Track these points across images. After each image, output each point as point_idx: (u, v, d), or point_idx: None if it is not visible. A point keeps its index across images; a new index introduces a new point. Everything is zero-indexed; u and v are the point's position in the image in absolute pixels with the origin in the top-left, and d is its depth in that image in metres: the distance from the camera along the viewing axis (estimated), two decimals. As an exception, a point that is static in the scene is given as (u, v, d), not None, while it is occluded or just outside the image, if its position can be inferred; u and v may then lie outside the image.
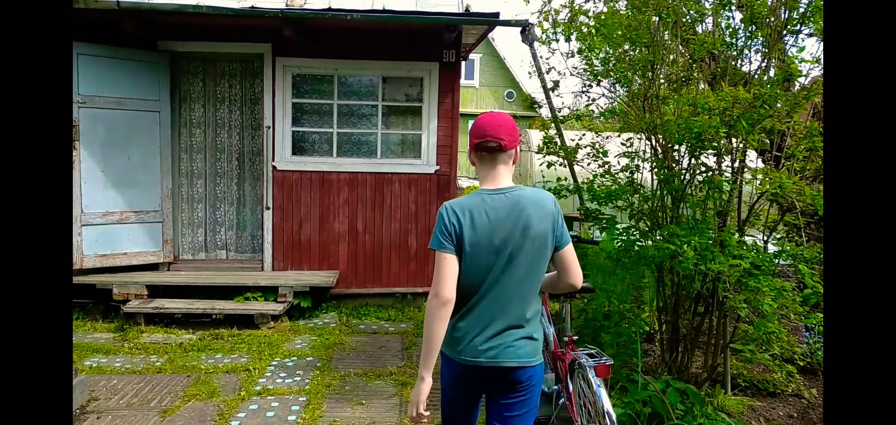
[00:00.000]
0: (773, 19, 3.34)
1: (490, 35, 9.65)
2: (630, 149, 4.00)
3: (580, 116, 4.83)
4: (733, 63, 3.59)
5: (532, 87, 22.89)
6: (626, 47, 3.76)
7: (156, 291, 5.62)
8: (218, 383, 4.16)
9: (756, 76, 3.45)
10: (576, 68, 4.28)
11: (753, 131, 3.08)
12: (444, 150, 6.08)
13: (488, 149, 2.04)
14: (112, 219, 5.71)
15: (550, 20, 4.32)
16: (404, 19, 5.70)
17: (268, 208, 6.03)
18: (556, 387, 3.43)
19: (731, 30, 3.57)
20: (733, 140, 3.41)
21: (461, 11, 6.44)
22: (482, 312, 2.04)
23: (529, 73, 5.81)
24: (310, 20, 5.49)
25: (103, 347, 4.88)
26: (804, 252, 3.07)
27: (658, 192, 3.72)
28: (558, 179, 4.33)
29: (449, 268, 1.97)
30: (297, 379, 4.29)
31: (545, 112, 6.03)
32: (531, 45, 5.65)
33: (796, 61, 3.24)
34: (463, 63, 6.41)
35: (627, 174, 3.92)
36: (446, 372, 2.17)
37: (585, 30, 3.95)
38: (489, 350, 2.03)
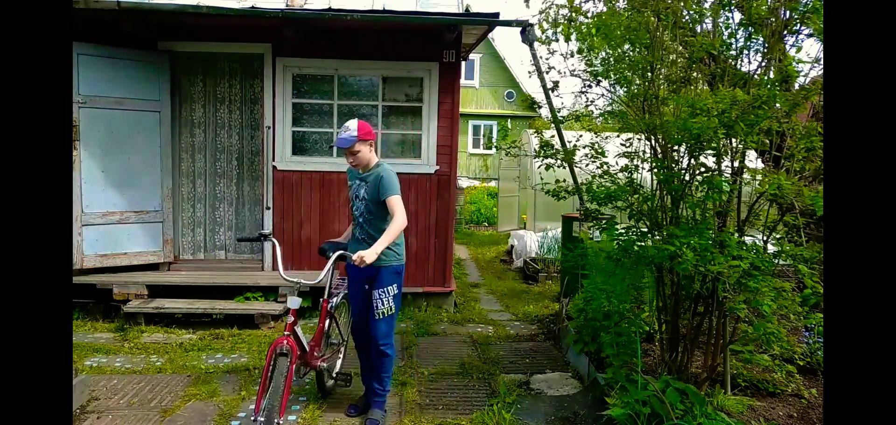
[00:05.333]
0: (773, 20, 3.34)
1: (490, 35, 9.66)
2: (629, 150, 4.00)
3: (580, 117, 4.83)
4: (732, 63, 3.59)
5: (532, 88, 22.91)
6: (626, 48, 3.76)
7: (156, 291, 5.63)
8: (218, 383, 4.17)
9: (755, 76, 3.45)
10: (575, 69, 4.28)
11: (752, 132, 3.08)
12: (444, 150, 6.08)
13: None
14: (112, 219, 5.71)
15: (550, 20, 4.32)
16: (404, 19, 5.70)
17: (268, 208, 6.03)
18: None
19: (730, 30, 3.57)
20: (733, 140, 3.41)
21: (461, 11, 6.45)
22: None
23: (529, 74, 5.80)
24: (310, 20, 5.49)
25: (103, 347, 4.88)
26: (804, 252, 3.07)
27: (657, 193, 3.72)
28: (557, 180, 4.34)
29: None
30: (297, 378, 4.29)
31: (545, 112, 6.04)
32: (531, 46, 5.65)
33: (794, 63, 3.24)
34: (463, 63, 6.41)
35: (627, 175, 3.91)
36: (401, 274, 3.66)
37: (585, 30, 3.95)
38: None
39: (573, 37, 4.06)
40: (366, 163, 3.52)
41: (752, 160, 3.81)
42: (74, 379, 3.70)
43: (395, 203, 3.40)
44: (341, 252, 3.46)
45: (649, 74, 3.68)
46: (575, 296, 5.12)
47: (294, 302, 3.34)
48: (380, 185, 3.44)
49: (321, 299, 3.61)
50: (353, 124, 3.43)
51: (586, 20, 4.00)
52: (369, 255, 3.21)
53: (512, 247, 9.41)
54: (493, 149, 21.65)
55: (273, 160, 5.98)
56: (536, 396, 4.12)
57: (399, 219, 3.36)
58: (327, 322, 3.68)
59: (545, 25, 4.38)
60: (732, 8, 3.60)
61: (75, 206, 5.47)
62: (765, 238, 3.45)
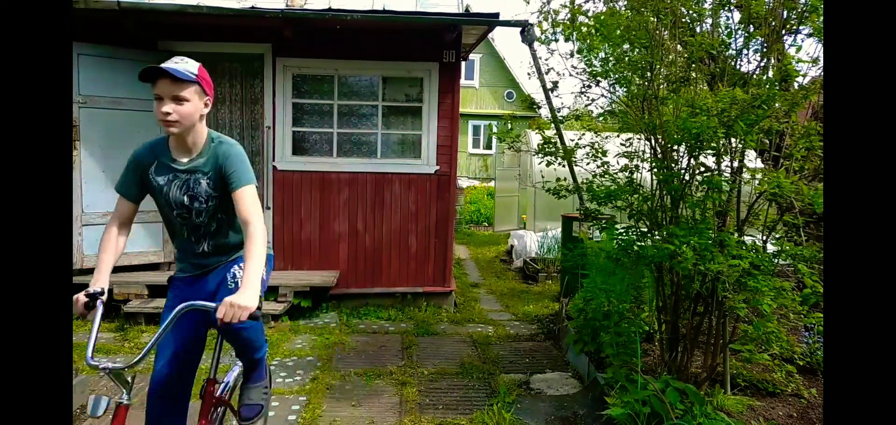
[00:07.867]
0: (772, 19, 3.34)
1: (490, 35, 9.65)
2: (629, 150, 4.00)
3: (580, 116, 4.83)
4: (732, 63, 3.59)
5: (532, 88, 22.90)
6: (625, 48, 3.76)
7: (156, 291, 5.62)
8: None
9: (755, 76, 3.45)
10: (575, 68, 4.28)
11: (751, 132, 3.08)
12: (444, 150, 6.08)
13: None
14: (112, 219, 5.71)
15: (550, 20, 4.32)
16: (404, 20, 5.71)
17: (268, 208, 6.03)
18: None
19: (728, 30, 3.57)
20: (732, 140, 3.41)
21: (461, 12, 6.46)
22: None
23: (529, 74, 5.81)
24: (310, 21, 5.49)
25: (104, 347, 4.88)
26: (803, 251, 3.07)
27: (657, 193, 3.72)
28: (558, 179, 4.34)
29: None
30: (298, 378, 4.29)
31: (545, 112, 6.04)
32: (531, 46, 5.66)
33: (793, 62, 3.24)
34: (463, 63, 6.42)
35: (627, 174, 3.92)
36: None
37: (585, 30, 3.95)
38: None
39: (573, 37, 4.07)
40: (187, 129, 2.17)
41: (752, 160, 3.81)
42: (74, 379, 3.70)
43: (251, 198, 2.15)
44: (195, 302, 2.08)
45: (649, 74, 3.68)
46: (575, 296, 5.12)
47: (97, 406, 1.97)
48: (227, 166, 2.19)
49: (204, 381, 2.44)
50: (192, 62, 2.19)
51: (586, 20, 4.00)
52: (252, 301, 1.93)
53: (512, 246, 9.41)
54: (494, 143, 21.59)
55: (273, 160, 5.98)
56: (536, 396, 4.12)
57: (260, 232, 2.07)
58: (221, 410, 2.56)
59: (545, 25, 4.38)
60: (732, 8, 3.61)
61: (75, 206, 5.47)
62: (764, 237, 3.45)
